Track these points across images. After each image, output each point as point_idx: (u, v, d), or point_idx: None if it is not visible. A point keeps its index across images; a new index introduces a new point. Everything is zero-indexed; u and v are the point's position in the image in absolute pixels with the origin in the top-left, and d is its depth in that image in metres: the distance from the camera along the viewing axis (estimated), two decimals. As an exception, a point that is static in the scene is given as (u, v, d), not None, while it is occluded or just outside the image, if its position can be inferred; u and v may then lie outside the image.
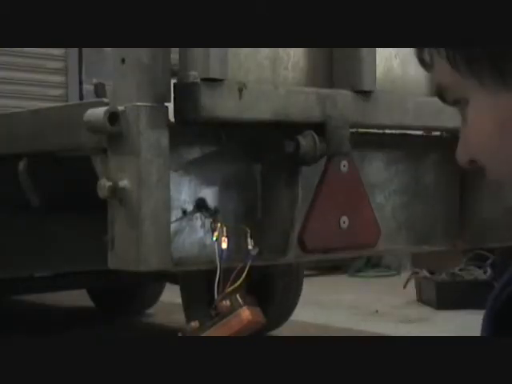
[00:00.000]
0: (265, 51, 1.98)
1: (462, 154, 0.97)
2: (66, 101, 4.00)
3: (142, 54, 1.72)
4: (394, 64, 2.27)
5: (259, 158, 2.02)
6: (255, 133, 1.97)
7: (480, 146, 0.94)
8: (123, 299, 5.52)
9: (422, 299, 5.82)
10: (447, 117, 2.27)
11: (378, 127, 2.23)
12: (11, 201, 2.73)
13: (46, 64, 4.02)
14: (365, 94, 2.08)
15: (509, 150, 0.91)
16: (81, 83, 4.06)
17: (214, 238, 1.87)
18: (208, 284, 2.22)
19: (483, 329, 0.87)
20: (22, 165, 2.31)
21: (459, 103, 0.96)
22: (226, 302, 1.74)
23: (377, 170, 2.30)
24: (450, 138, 2.47)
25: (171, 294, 5.11)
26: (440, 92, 0.98)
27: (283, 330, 4.46)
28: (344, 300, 6.24)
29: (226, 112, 1.80)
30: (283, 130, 1.95)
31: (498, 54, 0.88)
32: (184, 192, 1.89)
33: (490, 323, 0.89)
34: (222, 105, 1.79)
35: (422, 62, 0.99)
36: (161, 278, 4.87)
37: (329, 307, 5.88)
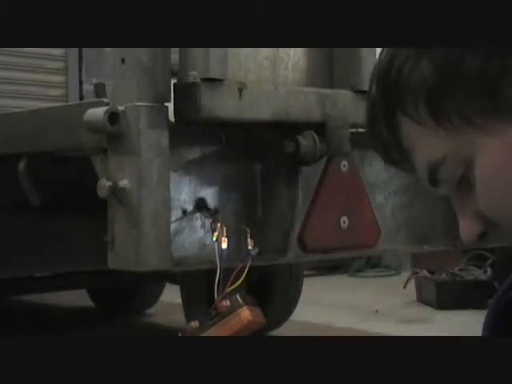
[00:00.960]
0: (265, 51, 1.98)
1: (471, 230, 0.84)
2: (66, 101, 4.00)
3: (142, 54, 1.72)
4: (394, 64, 2.27)
5: (259, 157, 2.02)
6: (255, 133, 1.97)
7: (500, 201, 0.81)
8: (123, 299, 5.51)
9: (421, 299, 5.82)
10: (447, 117, 2.27)
11: (378, 127, 2.22)
12: (11, 201, 2.73)
13: (46, 64, 4.02)
14: (365, 94, 2.08)
15: None
16: (81, 83, 4.06)
17: (214, 238, 1.87)
18: (208, 284, 2.22)
19: (483, 334, 0.86)
20: (22, 165, 2.32)
21: (454, 176, 0.82)
22: (226, 302, 1.74)
23: (377, 170, 2.30)
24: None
25: (171, 294, 5.11)
26: (433, 172, 0.83)
27: (283, 330, 4.46)
28: (344, 300, 6.24)
29: (226, 112, 1.80)
30: (283, 129, 1.95)
31: (498, 86, 0.77)
32: (184, 192, 1.89)
33: (490, 329, 0.88)
34: (222, 105, 1.79)
35: (394, 162, 0.87)
36: (161, 278, 4.87)
37: (329, 307, 5.88)
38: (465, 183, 0.82)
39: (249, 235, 1.92)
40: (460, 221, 0.85)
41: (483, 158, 0.80)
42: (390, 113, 0.83)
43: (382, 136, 0.85)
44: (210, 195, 1.94)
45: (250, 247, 1.91)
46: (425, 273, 5.84)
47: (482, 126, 0.79)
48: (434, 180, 0.84)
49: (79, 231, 3.31)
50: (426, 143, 0.82)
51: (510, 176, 0.79)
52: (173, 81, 1.79)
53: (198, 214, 1.90)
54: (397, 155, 0.86)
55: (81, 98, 4.01)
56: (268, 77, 1.99)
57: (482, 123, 0.79)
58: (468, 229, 0.84)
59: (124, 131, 1.72)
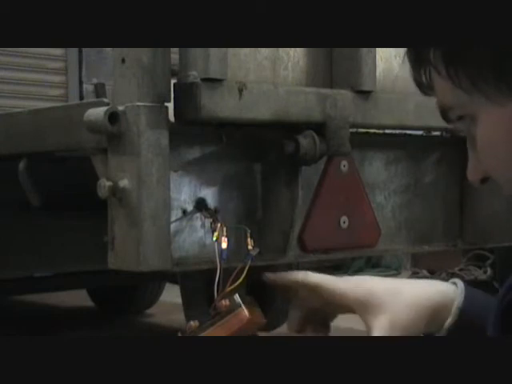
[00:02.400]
0: (265, 51, 1.98)
1: (474, 173, 0.96)
2: (66, 101, 4.01)
3: (142, 54, 1.72)
4: (394, 64, 2.27)
5: (259, 157, 2.02)
6: (255, 133, 1.97)
7: (492, 161, 0.92)
8: (123, 299, 5.52)
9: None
10: (447, 117, 2.28)
11: (378, 127, 2.23)
12: (11, 201, 2.73)
13: (46, 64, 4.03)
14: (365, 94, 2.08)
15: None
16: (81, 83, 4.06)
17: (214, 238, 1.87)
18: (208, 284, 2.22)
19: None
20: (22, 165, 2.31)
21: (463, 120, 0.94)
22: (226, 302, 1.73)
23: (377, 170, 2.30)
24: (450, 138, 2.47)
25: (171, 294, 5.11)
26: (444, 112, 0.96)
27: (283, 330, 4.46)
28: (344, 300, 6.22)
29: (226, 112, 1.80)
30: (283, 129, 1.95)
31: (502, 65, 0.85)
32: (184, 192, 1.89)
33: (491, 330, 0.89)
34: (221, 105, 1.79)
35: (420, 85, 0.97)
36: (161, 277, 4.87)
37: (329, 307, 5.86)
38: (469, 129, 0.93)
39: (249, 235, 1.92)
40: (468, 161, 0.96)
41: (483, 120, 0.89)
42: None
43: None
44: (209, 195, 1.94)
45: (249, 247, 1.91)
46: (425, 273, 5.84)
47: (485, 91, 0.86)
48: (445, 118, 0.97)
49: (79, 231, 3.32)
50: (440, 88, 0.93)
51: (501, 146, 0.89)
52: (173, 81, 1.79)
53: (197, 214, 1.90)
54: (427, 89, 0.97)
55: (81, 98, 4.01)
56: (268, 77, 1.99)
57: (486, 89, 0.86)
58: (471, 170, 0.96)
59: (124, 131, 1.72)
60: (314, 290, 1.24)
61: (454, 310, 1.21)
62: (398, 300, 1.16)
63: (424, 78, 0.95)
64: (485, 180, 0.96)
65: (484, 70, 0.86)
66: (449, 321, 1.21)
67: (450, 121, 0.96)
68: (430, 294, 1.20)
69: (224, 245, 1.85)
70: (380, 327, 1.13)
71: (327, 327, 1.25)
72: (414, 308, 1.16)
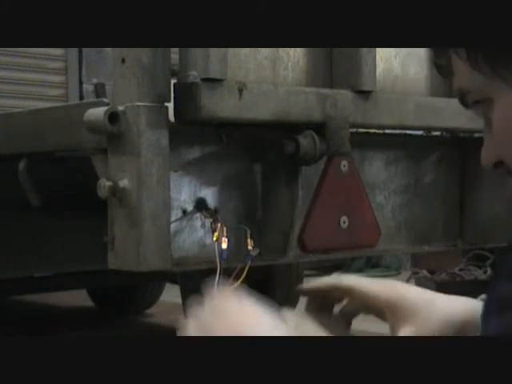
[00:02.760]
0: (265, 51, 1.98)
1: (488, 156, 0.95)
2: (66, 101, 4.01)
3: (142, 54, 1.72)
4: (394, 64, 2.27)
5: (259, 157, 2.02)
6: (255, 133, 1.97)
7: (507, 144, 0.92)
8: (123, 299, 5.51)
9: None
10: (447, 117, 2.28)
11: (378, 127, 2.23)
12: (11, 201, 2.73)
13: (46, 64, 4.03)
14: (365, 94, 2.08)
15: None
16: (81, 83, 4.06)
17: (214, 238, 1.87)
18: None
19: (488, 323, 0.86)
20: (22, 165, 2.31)
21: (480, 104, 0.93)
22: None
23: (377, 170, 2.30)
24: (450, 138, 2.48)
25: (171, 294, 5.11)
26: (462, 96, 0.95)
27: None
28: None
29: (226, 112, 1.80)
30: (283, 129, 1.95)
31: None
32: (184, 192, 1.89)
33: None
34: (221, 105, 1.79)
35: (440, 68, 0.98)
36: (161, 277, 4.87)
37: (329, 307, 5.87)
38: (485, 112, 0.93)
39: (249, 235, 1.92)
40: (483, 146, 0.96)
41: (500, 104, 0.90)
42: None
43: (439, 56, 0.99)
44: (209, 195, 1.94)
45: (249, 247, 1.91)
46: (425, 273, 5.84)
47: (504, 75, 0.87)
48: (463, 102, 0.95)
49: (79, 231, 3.32)
50: (459, 71, 0.92)
51: None
52: (173, 81, 1.79)
53: (197, 214, 1.90)
54: (446, 73, 0.97)
55: (81, 98, 4.01)
56: (268, 77, 1.99)
57: (505, 73, 0.87)
58: (485, 154, 0.95)
59: (124, 131, 1.72)
60: (347, 292, 1.23)
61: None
62: (428, 311, 1.14)
63: (444, 61, 0.95)
64: (498, 164, 0.95)
65: (503, 55, 0.87)
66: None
67: (467, 105, 0.96)
68: (460, 312, 1.17)
69: (224, 245, 1.85)
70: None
71: (349, 325, 1.24)
72: (442, 325, 1.14)
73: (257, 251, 1.86)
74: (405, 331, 1.11)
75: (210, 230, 1.89)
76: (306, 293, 1.28)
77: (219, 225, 1.87)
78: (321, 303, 1.25)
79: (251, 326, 0.96)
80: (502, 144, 0.92)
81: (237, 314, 0.98)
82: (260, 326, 0.96)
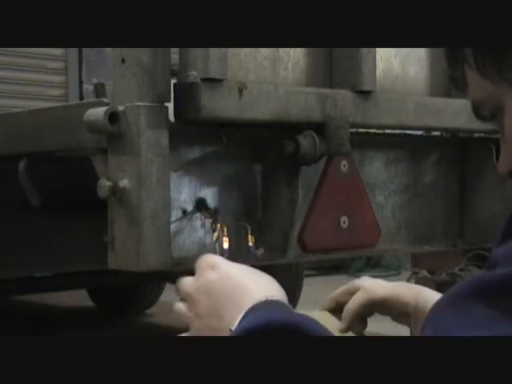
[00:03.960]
0: (265, 51, 1.98)
1: (503, 166, 0.96)
2: (66, 101, 4.01)
3: (142, 54, 1.72)
4: (394, 64, 2.28)
5: (259, 157, 2.02)
6: (255, 133, 1.97)
7: None
8: (123, 299, 5.51)
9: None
10: (447, 117, 2.28)
11: (378, 127, 2.23)
12: (11, 201, 2.73)
13: (46, 64, 4.03)
14: (365, 94, 2.08)
15: None
16: (81, 83, 4.06)
17: (214, 238, 1.87)
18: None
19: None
20: (22, 165, 2.31)
21: (496, 116, 0.94)
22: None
23: (377, 170, 2.30)
24: (450, 138, 2.48)
25: (171, 294, 5.10)
26: (476, 108, 0.96)
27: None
28: (344, 300, 6.21)
29: (226, 112, 1.80)
30: (283, 129, 1.95)
31: None
32: (184, 192, 1.90)
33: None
34: (222, 105, 1.79)
35: (455, 81, 0.98)
36: (161, 277, 4.87)
37: (329, 307, 5.87)
38: (501, 123, 0.93)
39: (249, 232, 1.92)
40: (501, 154, 0.96)
41: (509, 110, 0.90)
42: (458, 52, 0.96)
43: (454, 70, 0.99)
44: (209, 195, 1.94)
45: (250, 243, 1.91)
46: (425, 273, 5.84)
47: (510, 79, 0.88)
48: (477, 115, 0.96)
49: (79, 231, 3.31)
50: (472, 83, 0.93)
51: None
52: (173, 81, 1.79)
53: (197, 214, 1.90)
54: (462, 86, 0.98)
55: (81, 98, 4.01)
56: (268, 77, 1.99)
57: (510, 77, 0.87)
58: (501, 162, 0.96)
59: (124, 131, 1.72)
60: (381, 304, 1.23)
61: None
62: None
63: (458, 74, 0.96)
64: None
65: (508, 58, 0.87)
66: None
67: (484, 118, 0.96)
68: None
69: (225, 244, 1.85)
70: None
71: (365, 322, 1.25)
72: None
73: (262, 252, 1.85)
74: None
75: (210, 230, 1.89)
76: (328, 305, 1.28)
77: (219, 225, 1.88)
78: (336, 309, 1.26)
79: (249, 288, 1.03)
80: None
81: (238, 275, 1.05)
82: (257, 290, 1.02)
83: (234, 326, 0.98)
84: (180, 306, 1.08)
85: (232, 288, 1.05)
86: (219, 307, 1.04)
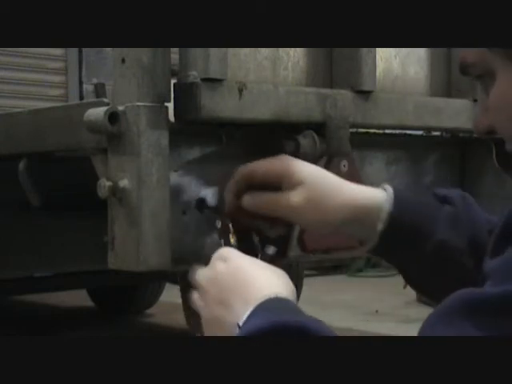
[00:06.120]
0: (265, 51, 1.98)
1: (481, 122, 1.01)
2: (66, 101, 4.01)
3: (142, 54, 1.72)
4: (394, 64, 2.28)
5: (259, 158, 2.01)
6: (255, 133, 1.97)
7: (501, 117, 0.96)
8: (123, 299, 5.52)
9: (421, 299, 5.82)
10: (447, 117, 2.28)
11: (378, 127, 2.23)
12: (11, 201, 2.73)
13: (46, 64, 4.03)
14: (365, 94, 2.08)
15: None
16: (81, 83, 4.07)
17: (220, 237, 1.86)
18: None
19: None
20: (22, 165, 2.31)
21: (483, 77, 0.98)
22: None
23: (377, 169, 2.30)
24: (450, 138, 2.48)
25: (171, 294, 5.11)
26: (465, 68, 1.00)
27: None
28: (344, 300, 6.24)
29: (226, 112, 1.80)
30: (283, 129, 1.95)
31: None
32: (184, 192, 1.89)
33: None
34: (222, 105, 1.79)
35: None
36: (161, 277, 4.87)
37: (329, 307, 5.89)
38: (486, 84, 0.98)
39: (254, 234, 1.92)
40: (477, 113, 1.03)
41: (501, 79, 0.94)
42: None
43: None
44: (210, 195, 1.94)
45: (255, 242, 1.91)
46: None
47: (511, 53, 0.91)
48: (464, 73, 1.01)
49: (79, 231, 3.32)
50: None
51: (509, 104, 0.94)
52: (173, 81, 1.79)
53: (198, 214, 1.90)
54: None
55: (81, 98, 4.01)
56: (268, 77, 1.99)
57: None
58: (478, 121, 1.02)
59: (124, 131, 1.72)
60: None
61: (384, 216, 1.26)
62: (323, 182, 1.29)
63: None
64: (490, 133, 1.01)
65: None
66: (380, 227, 1.26)
67: (468, 75, 1.02)
68: (356, 196, 1.29)
69: (232, 240, 1.85)
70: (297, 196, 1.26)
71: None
72: (335, 198, 1.28)
73: (274, 250, 1.84)
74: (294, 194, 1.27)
75: (210, 230, 1.89)
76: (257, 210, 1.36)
77: (219, 225, 1.87)
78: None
79: (258, 282, 1.06)
80: (496, 115, 0.97)
81: (248, 268, 1.10)
82: (266, 285, 1.04)
83: (242, 320, 0.98)
84: (194, 296, 1.13)
85: (240, 280, 1.08)
86: (225, 298, 1.06)
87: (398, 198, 1.30)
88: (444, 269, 1.29)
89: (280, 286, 1.05)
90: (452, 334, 0.84)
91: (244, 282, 1.06)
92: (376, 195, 1.30)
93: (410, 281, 1.38)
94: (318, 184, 1.31)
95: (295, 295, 1.07)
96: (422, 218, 1.29)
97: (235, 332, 0.97)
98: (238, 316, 1.00)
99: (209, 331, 1.07)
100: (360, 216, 1.29)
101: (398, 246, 1.31)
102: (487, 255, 0.98)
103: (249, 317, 0.99)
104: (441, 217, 1.29)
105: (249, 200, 1.34)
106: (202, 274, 1.13)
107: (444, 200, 1.35)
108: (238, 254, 1.16)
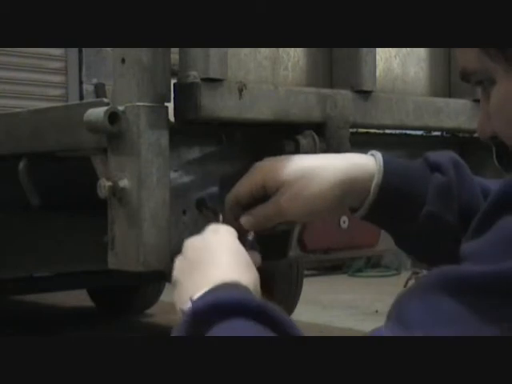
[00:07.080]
0: (265, 51, 1.98)
1: (485, 129, 1.02)
2: (66, 101, 4.01)
3: (142, 54, 1.72)
4: (394, 64, 2.28)
5: (259, 157, 2.01)
6: (255, 133, 1.97)
7: (502, 123, 0.97)
8: (123, 299, 5.52)
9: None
10: (447, 117, 2.28)
11: (378, 127, 2.23)
12: (11, 201, 2.73)
13: (46, 64, 4.03)
14: (365, 94, 2.08)
15: None
16: (81, 83, 4.07)
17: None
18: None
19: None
20: (22, 165, 2.31)
21: (483, 83, 0.99)
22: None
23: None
24: (450, 138, 2.48)
25: (171, 294, 5.11)
26: (465, 76, 1.01)
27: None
28: (344, 300, 6.24)
29: (226, 112, 1.80)
30: (283, 129, 1.95)
31: None
32: (184, 192, 1.89)
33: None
34: (222, 105, 1.79)
35: None
36: (161, 277, 4.87)
37: (329, 307, 5.89)
38: (487, 90, 0.99)
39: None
40: (479, 118, 1.03)
41: (502, 86, 0.95)
42: None
43: None
44: (209, 195, 1.94)
45: (250, 238, 1.91)
46: (425, 273, 5.84)
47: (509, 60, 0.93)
48: (464, 79, 1.02)
49: (79, 231, 3.32)
50: (466, 53, 0.98)
51: (509, 110, 0.95)
52: (173, 81, 1.79)
53: (198, 214, 1.90)
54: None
55: (81, 98, 4.01)
56: (268, 77, 1.99)
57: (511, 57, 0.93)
58: (481, 126, 1.02)
59: (124, 131, 1.72)
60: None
61: (374, 187, 1.28)
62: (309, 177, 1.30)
63: None
64: (494, 138, 1.02)
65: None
66: (369, 198, 1.28)
67: (467, 82, 1.02)
68: (343, 177, 1.31)
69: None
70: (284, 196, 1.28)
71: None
72: (321, 183, 1.29)
73: (253, 236, 1.84)
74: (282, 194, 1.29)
75: (209, 230, 1.89)
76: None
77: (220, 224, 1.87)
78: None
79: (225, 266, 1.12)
80: (497, 121, 0.98)
81: (227, 250, 1.16)
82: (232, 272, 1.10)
83: (196, 295, 1.03)
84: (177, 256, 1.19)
85: (214, 255, 1.13)
86: (194, 268, 1.13)
87: (387, 169, 1.31)
88: (434, 239, 1.31)
89: (245, 278, 1.09)
90: (429, 310, 0.85)
91: (215, 260, 1.12)
92: (364, 167, 1.32)
93: (400, 245, 1.42)
94: (298, 177, 1.32)
95: (258, 293, 1.11)
96: (411, 189, 1.31)
97: (188, 304, 1.02)
98: (193, 290, 1.06)
99: (173, 289, 1.17)
100: (349, 193, 1.31)
101: (387, 215, 1.35)
102: (465, 240, 0.99)
103: (203, 294, 1.03)
104: (429, 188, 1.31)
105: (248, 220, 1.36)
106: (190, 240, 1.20)
107: (435, 168, 1.36)
108: (229, 231, 1.20)
